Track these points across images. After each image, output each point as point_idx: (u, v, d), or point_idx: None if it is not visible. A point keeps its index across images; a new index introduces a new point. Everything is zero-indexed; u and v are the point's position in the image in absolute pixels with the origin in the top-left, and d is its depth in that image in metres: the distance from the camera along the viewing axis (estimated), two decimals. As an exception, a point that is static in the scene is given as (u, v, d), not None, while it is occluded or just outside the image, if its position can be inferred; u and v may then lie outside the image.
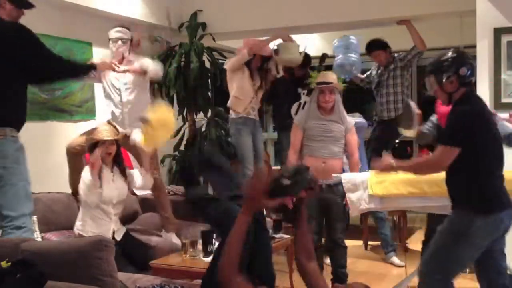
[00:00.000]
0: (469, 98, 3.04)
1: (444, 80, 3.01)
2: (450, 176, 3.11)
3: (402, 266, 5.05)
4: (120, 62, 4.55)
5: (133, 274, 3.14)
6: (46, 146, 4.87)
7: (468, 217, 2.99)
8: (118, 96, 4.60)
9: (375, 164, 3.36)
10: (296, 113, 5.44)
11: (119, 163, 4.19)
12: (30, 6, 3.36)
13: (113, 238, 4.01)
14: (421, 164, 3.23)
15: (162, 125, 4.11)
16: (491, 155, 3.03)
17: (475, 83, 3.13)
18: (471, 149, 2.95)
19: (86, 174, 4.02)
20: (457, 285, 4.47)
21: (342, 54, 5.87)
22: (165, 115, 4.13)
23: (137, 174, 4.30)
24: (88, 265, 2.45)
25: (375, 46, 5.64)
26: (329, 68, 5.86)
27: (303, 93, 5.49)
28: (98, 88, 5.41)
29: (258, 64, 5.19)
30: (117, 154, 4.17)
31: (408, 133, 4.00)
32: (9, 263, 2.40)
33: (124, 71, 4.53)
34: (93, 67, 3.63)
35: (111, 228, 4.05)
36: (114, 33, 4.62)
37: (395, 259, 5.33)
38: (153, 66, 4.63)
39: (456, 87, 3.02)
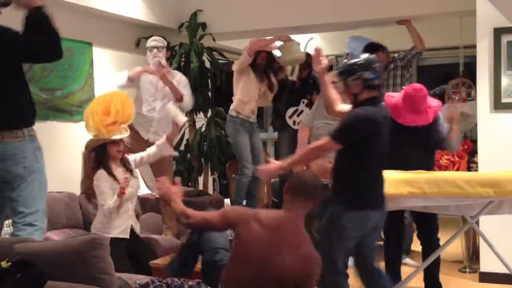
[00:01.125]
0: (371, 103, 3.29)
1: (350, 82, 3.30)
2: (336, 170, 3.41)
3: None
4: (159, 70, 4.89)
5: (134, 275, 3.14)
6: (46, 146, 4.79)
7: (341, 210, 3.28)
8: (153, 103, 4.88)
9: (261, 171, 3.59)
10: (290, 117, 5.43)
11: (124, 160, 4.14)
12: (5, 4, 3.20)
13: (133, 232, 4.06)
14: (307, 154, 3.48)
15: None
16: (376, 158, 3.32)
17: (378, 87, 3.35)
18: (357, 150, 3.25)
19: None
20: (457, 285, 4.49)
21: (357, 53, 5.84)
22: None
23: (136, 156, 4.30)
24: (84, 264, 2.44)
25: (373, 49, 5.64)
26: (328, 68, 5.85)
27: (303, 102, 5.45)
28: (98, 88, 5.42)
29: (263, 62, 5.18)
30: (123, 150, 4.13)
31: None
32: (9, 263, 2.40)
33: (166, 83, 4.86)
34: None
35: (130, 224, 4.07)
36: (150, 41, 4.96)
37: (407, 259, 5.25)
38: (189, 98, 5.05)
39: (360, 89, 3.29)
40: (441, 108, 4.11)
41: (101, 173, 3.97)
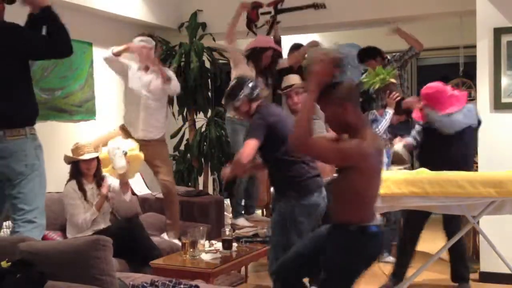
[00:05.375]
0: (261, 107, 3.54)
1: (238, 104, 3.54)
2: (271, 173, 3.60)
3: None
4: (146, 71, 4.69)
5: (133, 274, 3.14)
6: (46, 146, 4.79)
7: (290, 204, 3.39)
8: (143, 100, 4.67)
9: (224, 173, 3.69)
10: None
11: (98, 177, 4.27)
12: (10, 1, 3.21)
13: None
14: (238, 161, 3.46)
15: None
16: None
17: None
18: (272, 144, 3.40)
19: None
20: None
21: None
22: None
23: (113, 180, 4.37)
24: (86, 265, 2.45)
25: (367, 56, 5.62)
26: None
27: None
28: (98, 88, 5.42)
29: (267, 61, 5.17)
30: (97, 168, 4.27)
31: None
32: (9, 263, 2.40)
33: (155, 68, 4.65)
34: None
35: None
36: (137, 42, 4.67)
37: (390, 258, 5.22)
38: (175, 79, 4.79)
39: (248, 105, 3.54)
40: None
41: (70, 186, 4.18)
